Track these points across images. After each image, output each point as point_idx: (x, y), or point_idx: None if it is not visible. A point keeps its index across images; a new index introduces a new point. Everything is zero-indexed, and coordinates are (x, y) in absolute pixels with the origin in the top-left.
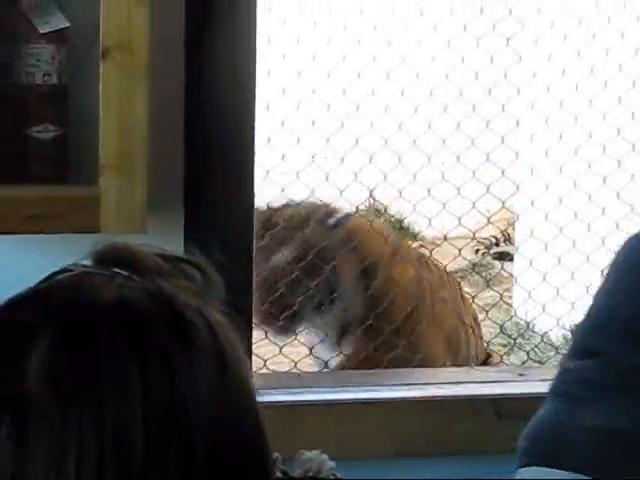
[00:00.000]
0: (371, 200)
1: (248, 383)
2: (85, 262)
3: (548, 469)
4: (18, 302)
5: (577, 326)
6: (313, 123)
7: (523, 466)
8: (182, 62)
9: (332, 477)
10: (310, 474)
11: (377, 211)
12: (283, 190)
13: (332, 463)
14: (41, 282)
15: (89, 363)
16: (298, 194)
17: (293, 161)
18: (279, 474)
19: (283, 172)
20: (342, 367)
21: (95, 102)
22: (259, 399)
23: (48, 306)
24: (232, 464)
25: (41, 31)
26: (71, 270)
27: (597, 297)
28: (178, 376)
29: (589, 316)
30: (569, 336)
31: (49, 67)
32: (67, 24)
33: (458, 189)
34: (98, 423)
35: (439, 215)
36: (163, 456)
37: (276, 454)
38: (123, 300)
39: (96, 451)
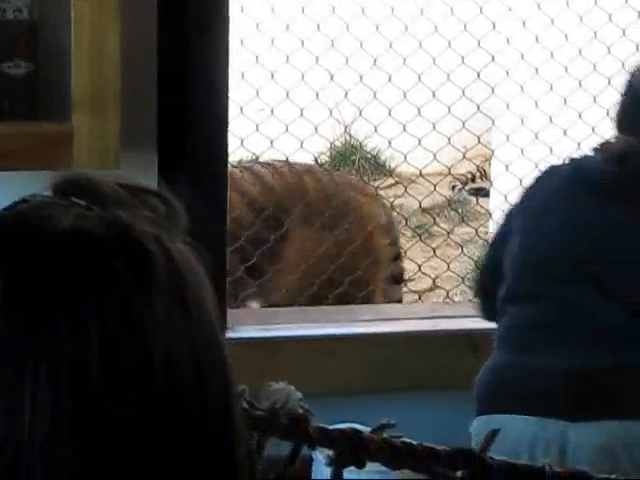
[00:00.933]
0: (347, 136)
1: (208, 313)
2: (45, 193)
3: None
4: None
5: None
6: (287, 59)
7: (476, 414)
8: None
9: (299, 408)
10: (277, 405)
11: (353, 147)
12: (257, 127)
13: (299, 394)
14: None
15: (44, 294)
16: (273, 131)
17: (267, 96)
18: (246, 405)
19: (258, 108)
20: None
21: (67, 38)
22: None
23: (3, 236)
24: (192, 396)
25: None
26: (30, 200)
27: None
28: (135, 306)
29: (517, 257)
30: None
31: (20, 2)
32: None
33: (433, 125)
34: (54, 357)
35: (415, 151)
36: (121, 390)
37: (242, 386)
38: (78, 229)
39: (52, 386)
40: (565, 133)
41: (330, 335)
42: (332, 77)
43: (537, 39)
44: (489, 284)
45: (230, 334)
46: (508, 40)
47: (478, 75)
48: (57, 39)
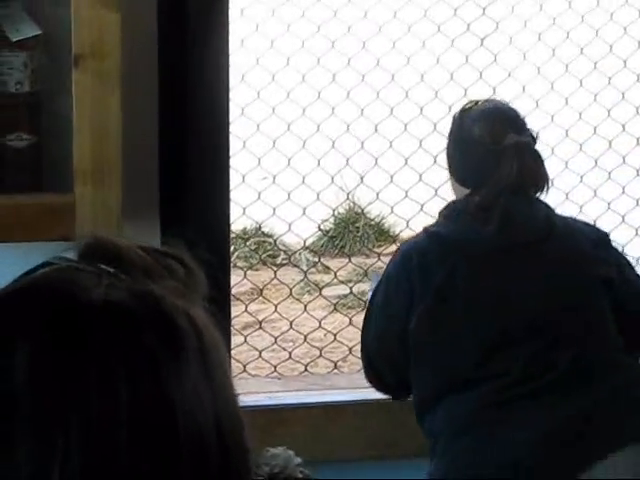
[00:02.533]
0: (350, 203)
1: (231, 385)
2: (69, 255)
3: None
4: (4, 295)
5: None
6: (289, 127)
7: None
8: (155, 68)
9: (299, 473)
10: (276, 470)
11: (356, 214)
12: (259, 195)
13: (298, 459)
14: (26, 274)
15: (76, 366)
16: (275, 199)
17: (269, 164)
18: None
19: (260, 177)
20: None
21: (69, 109)
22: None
23: (35, 302)
24: (216, 468)
25: (12, 39)
26: (56, 264)
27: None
28: (165, 382)
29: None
30: None
31: (21, 75)
32: (38, 32)
33: (435, 190)
34: (84, 428)
35: (418, 216)
36: (148, 462)
37: None
38: (111, 302)
39: (81, 456)
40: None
41: (332, 402)
42: (333, 144)
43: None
44: (399, 354)
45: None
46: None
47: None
48: (58, 110)
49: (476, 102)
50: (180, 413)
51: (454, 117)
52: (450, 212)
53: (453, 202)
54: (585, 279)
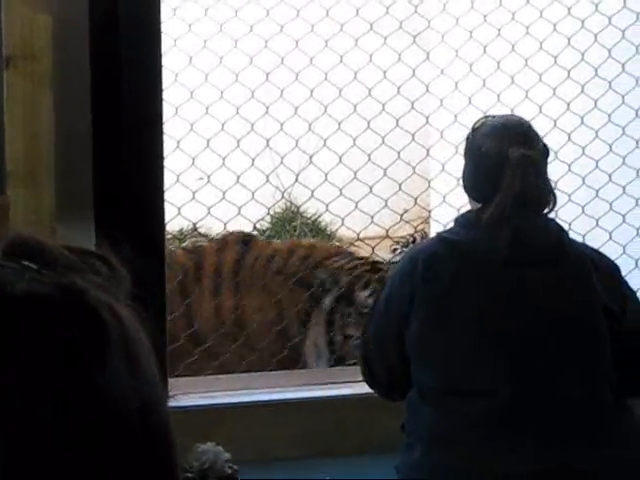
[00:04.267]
0: (286, 202)
1: (155, 376)
2: None
3: None
4: None
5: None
6: (222, 126)
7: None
8: (87, 70)
9: (228, 469)
10: (206, 466)
11: (292, 213)
12: (194, 195)
13: (227, 455)
14: None
15: None
16: (210, 198)
17: (203, 164)
18: None
19: (194, 177)
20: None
21: (0, 112)
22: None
23: None
24: (141, 456)
25: None
26: None
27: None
28: (90, 373)
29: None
30: None
31: None
32: None
33: (370, 187)
34: (8, 422)
35: (353, 214)
36: (74, 455)
37: None
38: (33, 293)
39: (5, 450)
40: None
41: (273, 400)
42: (268, 142)
43: (469, 102)
44: (394, 356)
45: (172, 402)
46: (441, 102)
47: (413, 137)
48: None
49: (488, 118)
50: (104, 401)
51: (468, 134)
52: (465, 221)
53: (469, 212)
54: (588, 309)
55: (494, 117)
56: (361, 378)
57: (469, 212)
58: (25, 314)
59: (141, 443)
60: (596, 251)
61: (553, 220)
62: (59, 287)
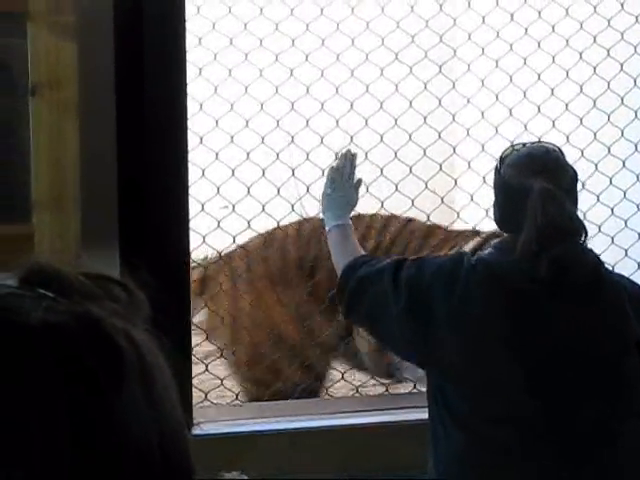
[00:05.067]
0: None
1: (175, 405)
2: (9, 282)
3: None
4: None
5: None
6: (248, 156)
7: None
8: (113, 98)
9: None
10: None
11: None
12: (219, 222)
13: None
14: None
15: (15, 390)
16: (234, 227)
17: (228, 193)
18: None
19: (219, 205)
20: None
21: (26, 140)
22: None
23: None
24: None
25: None
26: None
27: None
28: (107, 402)
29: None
30: None
31: None
32: None
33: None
34: (26, 452)
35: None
36: None
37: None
38: (49, 323)
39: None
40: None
41: (296, 428)
42: (293, 172)
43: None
44: (414, 329)
45: (197, 431)
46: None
47: (440, 167)
48: (16, 140)
49: (515, 147)
50: (122, 430)
51: (496, 165)
52: (503, 245)
53: (508, 237)
54: (622, 340)
55: (523, 146)
56: (389, 406)
57: (507, 237)
58: (40, 343)
59: (160, 470)
60: (628, 279)
61: (590, 250)
62: (74, 316)
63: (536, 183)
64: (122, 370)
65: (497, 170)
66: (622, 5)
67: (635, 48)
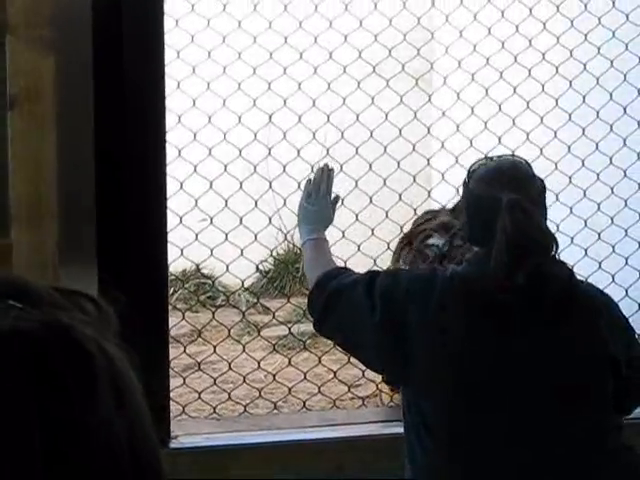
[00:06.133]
0: (289, 244)
1: (144, 411)
2: None
3: None
4: None
5: None
6: (225, 168)
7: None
8: (91, 112)
9: None
10: None
11: (295, 254)
12: (197, 235)
13: None
14: None
15: None
16: (212, 239)
17: (206, 206)
18: None
19: (197, 218)
20: None
21: (4, 153)
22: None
23: None
24: None
25: None
26: None
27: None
28: (78, 409)
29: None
30: None
31: None
32: None
33: (372, 230)
34: None
35: (355, 256)
36: None
37: None
38: (19, 330)
39: None
40: None
41: (278, 442)
42: (270, 184)
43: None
44: (389, 343)
45: (175, 444)
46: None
47: (385, 182)
48: None
49: (482, 162)
50: (93, 435)
51: (464, 179)
52: (476, 259)
53: (480, 251)
54: (597, 362)
55: (490, 160)
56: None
57: (477, 251)
58: (10, 349)
59: (130, 477)
60: (608, 296)
61: (562, 262)
62: (44, 323)
63: (505, 195)
64: (92, 375)
65: (466, 184)
66: (599, 20)
67: (611, 63)
